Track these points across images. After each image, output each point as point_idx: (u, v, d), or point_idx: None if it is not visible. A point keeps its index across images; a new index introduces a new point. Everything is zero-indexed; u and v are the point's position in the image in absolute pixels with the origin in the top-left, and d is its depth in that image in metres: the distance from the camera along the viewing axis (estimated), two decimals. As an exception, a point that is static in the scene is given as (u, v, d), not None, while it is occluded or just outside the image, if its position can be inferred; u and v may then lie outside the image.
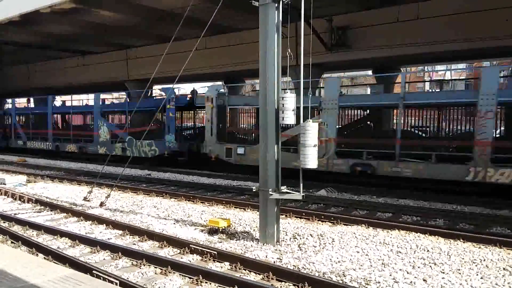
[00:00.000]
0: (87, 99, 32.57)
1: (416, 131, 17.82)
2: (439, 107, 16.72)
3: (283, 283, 6.40)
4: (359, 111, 19.09)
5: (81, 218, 10.54)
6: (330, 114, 15.26)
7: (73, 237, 8.62)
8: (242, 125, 22.24)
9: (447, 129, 17.56)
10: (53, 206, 11.75)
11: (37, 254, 7.60)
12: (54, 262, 6.95)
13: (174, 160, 21.67)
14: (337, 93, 15.40)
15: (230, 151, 17.94)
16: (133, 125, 22.81)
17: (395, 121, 15.65)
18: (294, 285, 6.26)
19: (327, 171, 15.25)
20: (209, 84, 32.41)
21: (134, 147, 21.61)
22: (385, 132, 17.16)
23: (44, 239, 8.72)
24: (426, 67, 30.38)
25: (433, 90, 27.24)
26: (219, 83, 28.93)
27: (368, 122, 18.92)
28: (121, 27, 21.28)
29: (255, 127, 19.10)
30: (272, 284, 6.34)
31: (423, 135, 17.50)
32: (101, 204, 11.84)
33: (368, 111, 18.54)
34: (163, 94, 22.92)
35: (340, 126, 17.49)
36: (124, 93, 31.13)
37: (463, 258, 7.42)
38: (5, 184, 15.22)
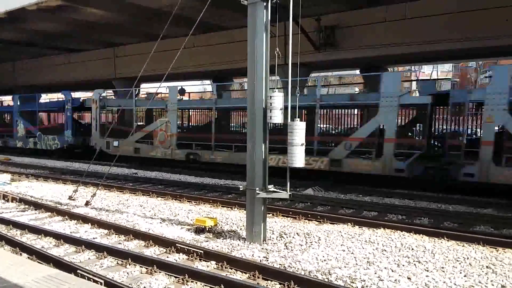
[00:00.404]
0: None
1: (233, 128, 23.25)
2: (236, 110, 22.00)
3: (269, 281, 6.41)
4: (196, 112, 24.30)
5: (66, 217, 10.45)
6: (172, 114, 19.90)
7: (58, 236, 8.54)
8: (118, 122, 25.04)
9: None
10: (37, 205, 11.63)
11: (20, 253, 7.53)
12: (38, 261, 6.88)
13: (72, 152, 26.00)
14: (176, 98, 19.87)
15: (108, 143, 21.87)
16: (42, 123, 28.84)
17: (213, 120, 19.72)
18: (280, 283, 6.28)
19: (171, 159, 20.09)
20: (198, 82, 32.26)
21: (42, 141, 26.61)
22: (207, 128, 20.68)
23: (28, 239, 8.63)
24: (413, 67, 30.63)
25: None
26: (208, 82, 28.86)
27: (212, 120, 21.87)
28: (108, 24, 21.10)
29: (138, 125, 23.15)
30: (258, 283, 6.34)
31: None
32: (87, 203, 11.74)
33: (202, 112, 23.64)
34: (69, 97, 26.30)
35: (180, 124, 22.58)
36: (111, 91, 30.93)
37: (447, 256, 7.50)
38: (-11, 183, 15.03)
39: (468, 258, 7.41)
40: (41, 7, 18.20)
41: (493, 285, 6.25)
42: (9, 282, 4.66)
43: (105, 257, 7.43)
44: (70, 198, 12.47)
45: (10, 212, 11.18)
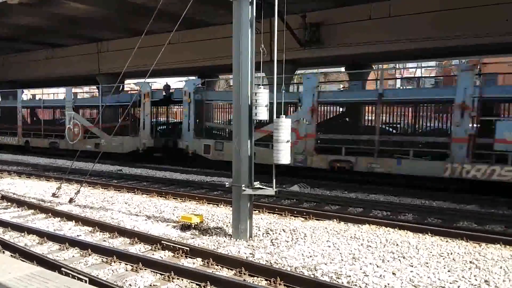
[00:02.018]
0: None
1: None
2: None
3: (255, 278, 6.42)
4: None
5: (50, 214, 10.31)
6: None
7: (41, 234, 8.43)
8: None
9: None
10: (20, 203, 11.45)
11: (3, 251, 7.41)
12: (21, 259, 6.78)
13: None
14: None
15: None
16: None
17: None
18: (266, 280, 6.29)
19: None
20: (184, 78, 32.09)
21: None
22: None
23: (11, 236, 8.50)
24: (397, 64, 30.87)
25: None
26: (193, 78, 28.69)
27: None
28: (92, 19, 20.82)
29: None
30: (244, 279, 6.34)
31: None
32: (71, 201, 11.62)
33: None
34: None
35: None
36: (94, 87, 30.58)
37: (431, 252, 7.59)
38: (-30, 180, 14.77)
39: (451, 254, 7.51)
40: (23, 1, 17.86)
41: (476, 280, 6.34)
42: (-9, 281, 4.58)
43: (89, 255, 7.36)
44: (53, 195, 12.33)
45: (-8, 209, 11.00)
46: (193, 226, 9.07)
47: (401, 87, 26.43)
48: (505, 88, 14.76)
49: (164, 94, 20.20)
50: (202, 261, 7.09)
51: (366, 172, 14.57)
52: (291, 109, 17.38)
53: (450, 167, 12.89)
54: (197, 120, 18.79)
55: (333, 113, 18.89)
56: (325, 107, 18.17)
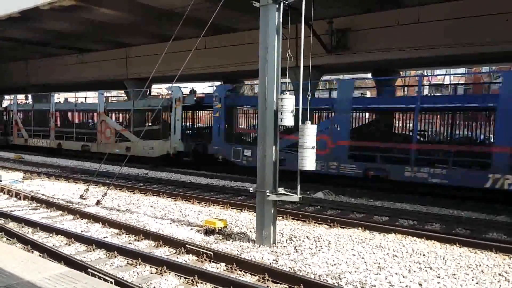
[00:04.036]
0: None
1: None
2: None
3: (278, 284, 6.39)
4: None
5: (77, 216, 10.51)
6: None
7: (69, 235, 8.60)
8: None
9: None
10: (49, 204, 11.72)
11: (32, 251, 7.58)
12: (49, 259, 6.92)
13: None
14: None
15: None
16: None
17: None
18: (289, 287, 6.25)
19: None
20: (209, 84, 32.36)
21: None
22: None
23: (40, 237, 8.70)
24: (425, 71, 30.42)
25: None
26: (218, 83, 28.89)
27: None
28: (120, 25, 21.25)
29: None
30: (267, 286, 6.33)
31: None
32: (98, 203, 11.81)
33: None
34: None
35: None
36: (123, 91, 31.08)
37: (459, 263, 7.42)
38: (1, 180, 15.14)
39: (480, 265, 7.33)
40: (55, 6, 18.35)
41: (505, 293, 6.17)
42: (22, 279, 4.69)
43: (115, 257, 7.46)
44: (81, 197, 12.57)
45: (22, 210, 11.28)
46: (216, 231, 9.12)
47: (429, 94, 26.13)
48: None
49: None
50: (225, 266, 7.11)
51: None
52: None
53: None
54: None
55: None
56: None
